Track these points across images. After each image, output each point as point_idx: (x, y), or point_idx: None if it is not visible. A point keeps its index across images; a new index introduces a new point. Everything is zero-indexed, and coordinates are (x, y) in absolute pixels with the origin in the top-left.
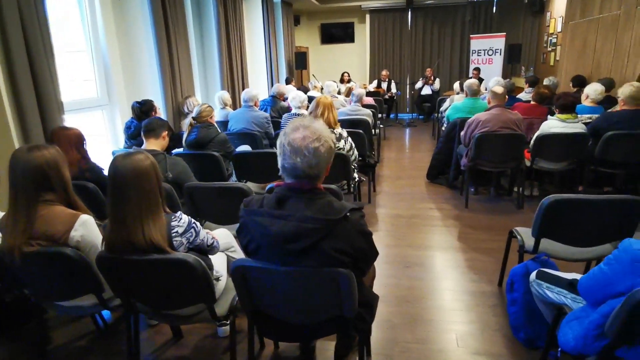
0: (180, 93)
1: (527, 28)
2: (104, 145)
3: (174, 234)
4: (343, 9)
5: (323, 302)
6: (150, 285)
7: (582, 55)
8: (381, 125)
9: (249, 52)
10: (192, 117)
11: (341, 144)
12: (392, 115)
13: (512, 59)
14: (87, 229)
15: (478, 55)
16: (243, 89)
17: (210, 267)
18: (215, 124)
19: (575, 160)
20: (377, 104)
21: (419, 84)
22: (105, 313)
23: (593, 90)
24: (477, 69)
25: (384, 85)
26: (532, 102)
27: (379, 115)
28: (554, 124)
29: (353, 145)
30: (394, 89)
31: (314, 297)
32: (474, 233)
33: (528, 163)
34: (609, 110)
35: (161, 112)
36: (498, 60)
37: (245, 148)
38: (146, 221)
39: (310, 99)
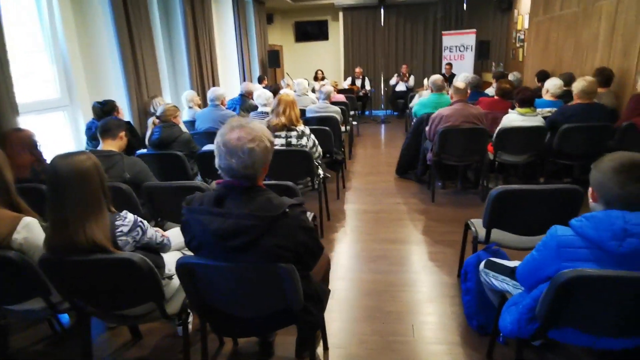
0: (146, 93)
1: (496, 25)
2: (66, 147)
3: (118, 233)
4: (316, 6)
5: (268, 296)
6: (95, 286)
7: (546, 51)
8: (354, 122)
9: (219, 51)
10: (156, 116)
11: (303, 141)
12: (367, 112)
13: (482, 55)
14: (30, 232)
15: (450, 52)
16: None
17: (161, 265)
18: (181, 124)
19: (535, 152)
20: (350, 101)
21: (393, 81)
22: (65, 316)
23: (552, 85)
24: (450, 64)
25: (358, 83)
26: (495, 97)
27: (352, 112)
28: (514, 118)
29: (316, 142)
30: (367, 86)
31: (259, 292)
32: (438, 226)
33: (492, 156)
34: (564, 104)
35: (125, 113)
36: (469, 56)
37: (211, 147)
38: (88, 221)
39: None
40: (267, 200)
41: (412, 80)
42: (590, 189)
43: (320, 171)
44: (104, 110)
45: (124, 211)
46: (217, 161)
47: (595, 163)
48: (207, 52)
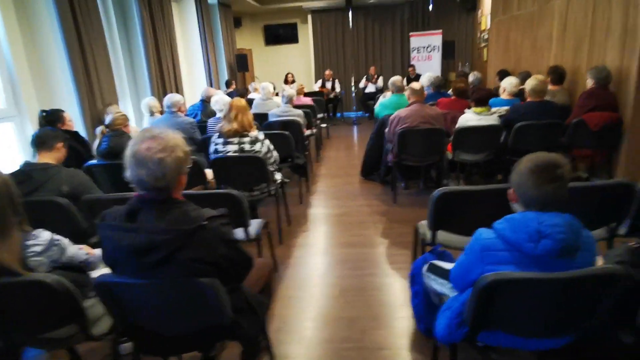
0: (100, 101)
1: (462, 25)
2: (15, 159)
3: (30, 254)
4: (284, 9)
5: (193, 312)
6: (7, 310)
7: (506, 50)
8: (323, 125)
9: (184, 56)
10: (105, 125)
11: (257, 147)
12: (338, 114)
13: (447, 56)
14: None
15: (418, 52)
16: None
17: (85, 284)
18: (130, 132)
19: (492, 151)
20: (317, 103)
21: (362, 84)
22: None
23: (509, 84)
24: (412, 66)
25: (329, 85)
26: (452, 97)
27: (321, 115)
28: (469, 117)
29: (271, 147)
30: (338, 88)
31: (183, 308)
32: (398, 227)
33: (451, 156)
34: (517, 103)
35: (77, 122)
36: (437, 57)
37: None
38: None
39: (250, 101)
40: (182, 214)
41: (381, 82)
42: (510, 190)
43: (278, 176)
44: (48, 119)
45: (39, 229)
46: (127, 173)
47: (515, 164)
48: (168, 58)
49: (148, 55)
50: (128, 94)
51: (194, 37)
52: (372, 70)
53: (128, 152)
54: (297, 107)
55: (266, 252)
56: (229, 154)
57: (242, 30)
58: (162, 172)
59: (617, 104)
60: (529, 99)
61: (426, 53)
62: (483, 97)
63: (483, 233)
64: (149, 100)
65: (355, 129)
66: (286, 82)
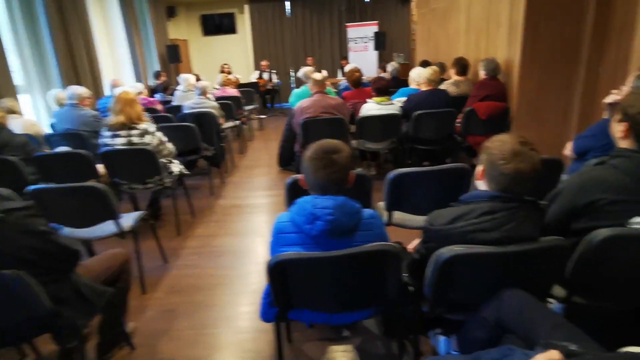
0: None
1: (398, 16)
2: None
3: None
4: None
5: (12, 305)
6: None
7: (429, 41)
8: (263, 116)
9: (107, 48)
10: None
11: (146, 139)
12: (277, 105)
13: (378, 46)
14: None
15: (355, 43)
16: (95, 87)
17: None
18: (8, 127)
19: (395, 139)
20: (247, 95)
21: (300, 73)
22: None
23: (417, 74)
24: (345, 57)
25: (265, 76)
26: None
27: (251, 107)
28: (371, 107)
29: (164, 139)
30: (275, 79)
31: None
32: None
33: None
34: (412, 92)
35: None
36: (372, 48)
37: (64, 149)
38: None
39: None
40: None
41: (324, 72)
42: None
43: (175, 168)
44: None
45: None
46: None
47: None
48: (81, 48)
49: (56, 45)
50: (36, 86)
51: (117, 27)
52: (309, 60)
53: None
54: (222, 98)
55: (145, 244)
56: (117, 147)
57: (177, 20)
58: None
59: (507, 93)
60: (423, 88)
61: (362, 44)
62: (382, 87)
63: (281, 217)
64: (57, 92)
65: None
66: (222, 73)
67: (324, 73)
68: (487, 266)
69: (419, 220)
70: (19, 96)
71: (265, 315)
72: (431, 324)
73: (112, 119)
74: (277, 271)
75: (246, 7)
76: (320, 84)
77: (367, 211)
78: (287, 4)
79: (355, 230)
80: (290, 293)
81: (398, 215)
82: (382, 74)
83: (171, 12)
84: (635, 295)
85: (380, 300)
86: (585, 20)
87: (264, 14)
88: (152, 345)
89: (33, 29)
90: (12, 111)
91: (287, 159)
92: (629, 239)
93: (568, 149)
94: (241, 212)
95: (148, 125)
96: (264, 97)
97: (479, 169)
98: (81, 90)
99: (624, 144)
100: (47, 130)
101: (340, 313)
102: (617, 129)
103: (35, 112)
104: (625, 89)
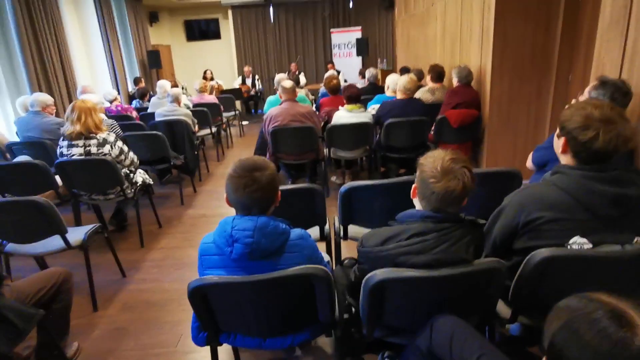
0: None
1: (381, 22)
2: None
3: None
4: (203, 4)
5: None
6: None
7: (408, 47)
8: (245, 122)
9: (81, 53)
10: None
11: (105, 149)
12: (260, 111)
13: (361, 52)
14: None
15: (339, 49)
16: (68, 93)
17: None
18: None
19: (367, 147)
20: (226, 101)
21: (275, 80)
22: None
23: (392, 81)
24: (331, 62)
25: (249, 82)
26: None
27: (232, 113)
28: (342, 115)
29: (125, 149)
30: (258, 85)
31: None
32: None
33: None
34: (385, 100)
35: None
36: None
37: (24, 158)
38: None
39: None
40: None
41: (302, 78)
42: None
43: (139, 178)
44: None
45: None
46: None
47: None
48: (53, 53)
49: (24, 49)
50: (4, 92)
51: (94, 32)
52: (293, 66)
53: None
54: (199, 105)
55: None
56: (74, 157)
57: (160, 26)
58: None
59: (479, 100)
60: (397, 96)
61: (347, 49)
62: (353, 95)
63: (206, 237)
64: (24, 99)
65: None
66: (205, 79)
67: (302, 80)
68: (418, 290)
69: None
70: None
71: (196, 340)
72: (379, 346)
73: (69, 128)
74: (198, 296)
75: (229, 13)
76: (290, 91)
77: (295, 231)
78: (270, 9)
79: (281, 252)
80: (216, 318)
81: (354, 229)
82: (361, 80)
83: (154, 18)
84: None
85: (315, 324)
86: (554, 28)
87: (247, 20)
88: None
89: (1, 32)
90: None
91: None
92: (568, 260)
93: (529, 161)
94: (209, 222)
95: (108, 135)
96: (247, 104)
97: (414, 186)
98: (44, 98)
99: (564, 159)
100: (15, 138)
101: (272, 337)
102: (557, 144)
103: (5, 118)
104: (582, 98)
